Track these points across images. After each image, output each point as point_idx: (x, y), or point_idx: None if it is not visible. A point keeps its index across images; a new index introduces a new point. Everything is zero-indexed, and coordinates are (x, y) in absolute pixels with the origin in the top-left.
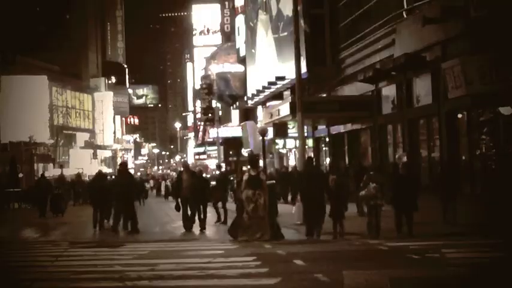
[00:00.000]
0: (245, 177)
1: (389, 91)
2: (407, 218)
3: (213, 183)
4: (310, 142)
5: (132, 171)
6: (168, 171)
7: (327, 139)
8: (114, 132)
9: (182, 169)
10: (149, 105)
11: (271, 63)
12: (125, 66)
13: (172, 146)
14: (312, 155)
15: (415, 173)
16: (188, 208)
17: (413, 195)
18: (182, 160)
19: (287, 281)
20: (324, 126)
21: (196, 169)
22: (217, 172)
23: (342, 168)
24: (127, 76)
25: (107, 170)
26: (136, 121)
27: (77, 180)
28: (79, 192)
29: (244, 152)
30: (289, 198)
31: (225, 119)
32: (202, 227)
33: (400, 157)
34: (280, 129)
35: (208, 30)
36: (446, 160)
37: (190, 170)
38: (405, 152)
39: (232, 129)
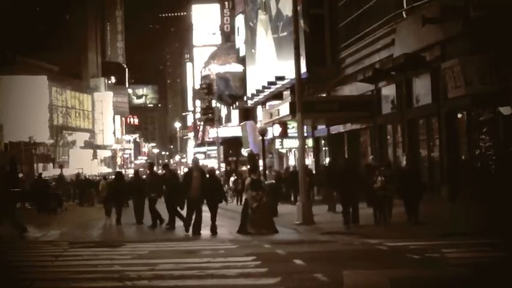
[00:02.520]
0: (247, 181)
1: (389, 91)
2: (414, 206)
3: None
4: (310, 142)
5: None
6: None
7: (327, 139)
8: (114, 132)
9: (191, 166)
10: (149, 105)
11: (270, 63)
12: (125, 66)
13: (172, 146)
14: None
15: (417, 168)
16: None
17: (418, 186)
18: (193, 156)
19: (287, 281)
20: (324, 126)
21: (207, 168)
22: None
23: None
24: (127, 76)
25: (106, 169)
26: (136, 121)
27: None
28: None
29: (244, 152)
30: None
31: (226, 119)
32: (214, 230)
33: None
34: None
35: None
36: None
37: (201, 168)
38: (405, 152)
39: (232, 129)
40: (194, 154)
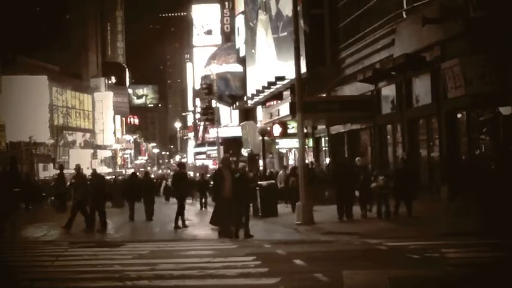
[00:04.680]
0: None
1: (389, 91)
2: (407, 203)
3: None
4: (310, 142)
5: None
6: (168, 171)
7: (327, 139)
8: (114, 132)
9: (221, 165)
10: (149, 105)
11: (271, 64)
12: (125, 66)
13: (172, 146)
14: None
15: (412, 168)
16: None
17: (411, 185)
18: (223, 155)
19: (287, 281)
20: (324, 126)
21: (239, 166)
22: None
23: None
24: (127, 76)
25: (106, 170)
26: (136, 121)
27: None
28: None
29: (244, 152)
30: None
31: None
32: (248, 233)
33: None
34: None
35: (208, 31)
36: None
37: (231, 167)
38: (405, 152)
39: (232, 129)
40: (194, 154)
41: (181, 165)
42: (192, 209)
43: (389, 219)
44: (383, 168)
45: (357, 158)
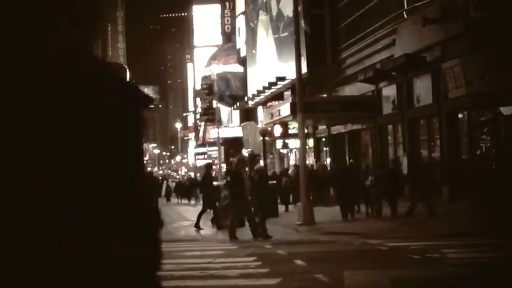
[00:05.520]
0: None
1: (389, 91)
2: (391, 202)
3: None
4: (311, 142)
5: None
6: (169, 171)
7: (328, 139)
8: None
9: (234, 164)
10: (150, 106)
11: (271, 64)
12: (126, 66)
13: (172, 147)
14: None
15: (400, 168)
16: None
17: (397, 185)
18: (238, 155)
19: (288, 281)
20: (325, 127)
21: (257, 167)
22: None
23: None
24: (128, 76)
25: None
26: None
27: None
28: None
29: (245, 153)
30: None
31: (227, 119)
32: (257, 233)
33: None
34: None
35: (208, 31)
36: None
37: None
38: (405, 152)
39: (233, 129)
40: (195, 155)
41: (209, 166)
42: (193, 209)
43: (380, 217)
44: (377, 169)
45: (350, 160)
